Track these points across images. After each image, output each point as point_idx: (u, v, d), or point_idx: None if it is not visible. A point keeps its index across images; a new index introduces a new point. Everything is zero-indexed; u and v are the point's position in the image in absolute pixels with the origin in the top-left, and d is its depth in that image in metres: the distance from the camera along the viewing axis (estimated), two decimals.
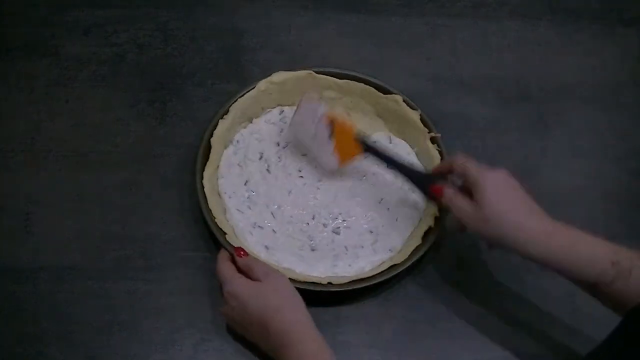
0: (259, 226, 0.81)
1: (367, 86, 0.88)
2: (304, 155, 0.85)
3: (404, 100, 0.87)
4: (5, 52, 0.92)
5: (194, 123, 0.87)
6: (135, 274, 0.78)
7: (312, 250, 0.80)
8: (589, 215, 0.87)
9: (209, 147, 0.81)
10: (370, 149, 0.81)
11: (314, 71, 0.87)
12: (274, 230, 0.80)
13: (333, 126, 0.81)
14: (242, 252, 0.74)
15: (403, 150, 0.88)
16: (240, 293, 0.70)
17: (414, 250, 0.78)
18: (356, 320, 0.77)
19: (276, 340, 0.67)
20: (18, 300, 0.75)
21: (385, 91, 0.88)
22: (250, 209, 0.81)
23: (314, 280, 0.75)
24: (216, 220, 0.77)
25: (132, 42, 0.95)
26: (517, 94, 0.97)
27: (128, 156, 0.86)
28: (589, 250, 0.66)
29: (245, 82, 0.89)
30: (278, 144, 0.86)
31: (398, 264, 0.77)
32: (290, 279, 0.73)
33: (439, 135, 0.86)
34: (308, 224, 0.81)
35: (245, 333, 0.72)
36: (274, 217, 0.81)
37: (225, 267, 0.73)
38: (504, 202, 0.68)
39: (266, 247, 0.79)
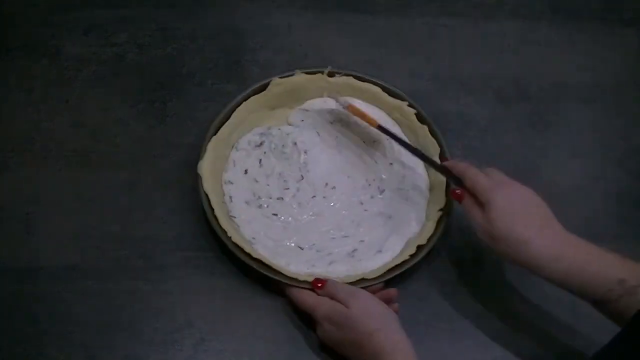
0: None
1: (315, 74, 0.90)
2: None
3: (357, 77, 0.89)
4: (5, 52, 0.92)
5: (193, 123, 0.87)
6: (135, 274, 0.78)
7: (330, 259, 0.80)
8: (589, 215, 0.87)
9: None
10: (389, 134, 0.83)
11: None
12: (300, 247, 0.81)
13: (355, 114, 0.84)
14: (319, 284, 0.73)
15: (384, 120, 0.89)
16: (332, 317, 0.69)
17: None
18: None
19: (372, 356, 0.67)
20: (18, 300, 0.75)
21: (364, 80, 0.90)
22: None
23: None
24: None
25: (132, 42, 0.95)
26: (517, 94, 0.97)
27: (128, 156, 0.86)
28: (597, 270, 0.65)
29: (245, 82, 0.89)
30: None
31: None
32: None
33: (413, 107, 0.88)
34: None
35: (340, 351, 0.71)
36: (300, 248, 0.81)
37: (305, 296, 0.73)
38: (513, 221, 0.68)
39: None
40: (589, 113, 0.96)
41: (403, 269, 0.77)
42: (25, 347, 0.73)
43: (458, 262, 0.82)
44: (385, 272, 0.77)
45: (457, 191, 0.75)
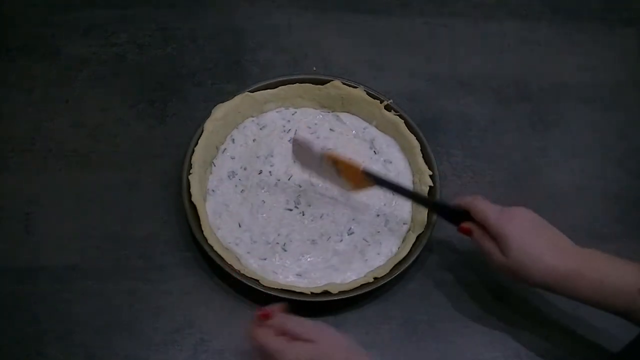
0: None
1: (302, 84, 0.89)
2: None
3: (343, 83, 0.88)
4: (5, 52, 0.92)
5: (193, 123, 0.87)
6: (135, 274, 0.78)
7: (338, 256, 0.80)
8: (589, 215, 0.87)
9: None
10: (381, 182, 0.79)
11: (248, 92, 0.87)
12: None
13: (337, 166, 0.79)
14: (263, 315, 0.66)
15: (360, 126, 0.89)
16: (304, 357, 0.64)
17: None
18: (355, 320, 0.77)
19: None
20: (18, 300, 0.75)
21: (323, 82, 0.89)
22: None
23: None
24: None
25: (132, 42, 0.95)
26: (517, 94, 0.97)
27: (128, 156, 0.86)
28: (616, 282, 0.66)
29: (245, 82, 0.89)
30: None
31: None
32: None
33: (390, 101, 0.87)
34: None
35: None
36: (284, 250, 0.80)
37: (269, 338, 0.65)
38: (528, 249, 0.68)
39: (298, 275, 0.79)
40: (589, 113, 0.96)
41: (411, 259, 0.78)
42: (25, 347, 0.73)
43: (458, 262, 0.82)
44: (393, 268, 0.77)
45: (465, 226, 0.74)
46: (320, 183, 0.84)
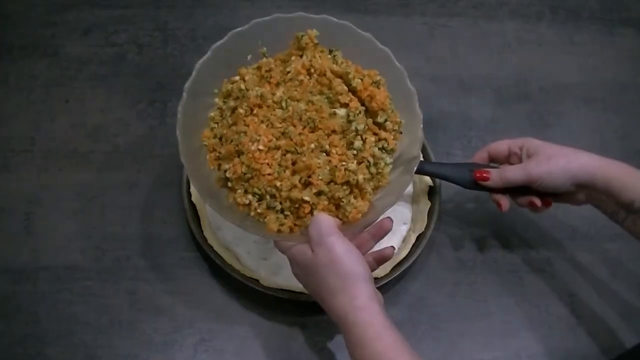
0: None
1: None
2: None
3: None
4: (5, 52, 0.92)
5: None
6: (135, 274, 0.78)
7: None
8: (589, 215, 0.86)
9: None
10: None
11: None
12: None
13: None
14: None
15: None
16: (297, 258, 0.63)
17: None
18: None
19: (335, 317, 0.61)
20: (18, 300, 0.75)
21: None
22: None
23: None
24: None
25: (132, 42, 0.95)
26: (517, 94, 0.97)
27: (128, 156, 0.86)
28: (629, 182, 0.68)
29: None
30: None
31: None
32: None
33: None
34: None
35: (311, 294, 0.66)
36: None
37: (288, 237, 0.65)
38: (554, 155, 0.72)
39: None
40: (589, 113, 0.96)
41: (412, 259, 0.78)
42: (25, 347, 0.73)
43: (458, 262, 0.82)
44: (393, 268, 0.77)
45: (485, 174, 0.75)
46: None
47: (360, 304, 0.59)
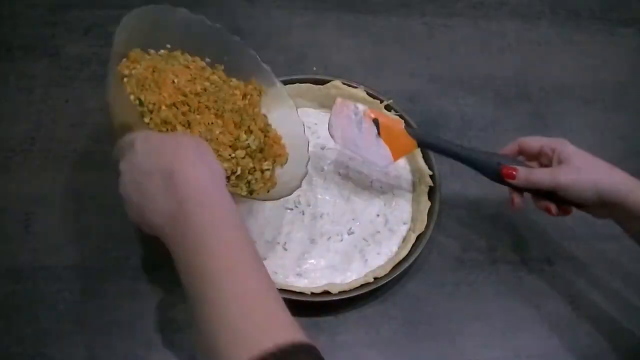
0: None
1: (302, 84, 0.89)
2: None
3: (344, 83, 0.88)
4: (5, 52, 0.92)
5: None
6: (135, 274, 0.78)
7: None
8: (589, 215, 0.86)
9: None
10: (425, 143, 0.79)
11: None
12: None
13: (378, 124, 0.79)
14: None
15: None
16: (144, 138, 0.59)
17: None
18: (355, 320, 0.77)
19: (177, 198, 0.55)
20: (18, 300, 0.75)
21: (323, 82, 0.89)
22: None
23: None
24: None
25: None
26: (517, 94, 0.97)
27: None
28: None
29: None
30: None
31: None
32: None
33: (390, 101, 0.87)
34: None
35: (140, 215, 0.59)
36: (285, 249, 0.80)
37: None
38: (583, 166, 0.71)
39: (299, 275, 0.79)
40: (589, 113, 0.96)
41: (411, 259, 0.78)
42: (25, 347, 0.73)
43: (458, 262, 0.82)
44: (393, 268, 0.77)
45: (513, 172, 0.74)
46: (321, 182, 0.84)
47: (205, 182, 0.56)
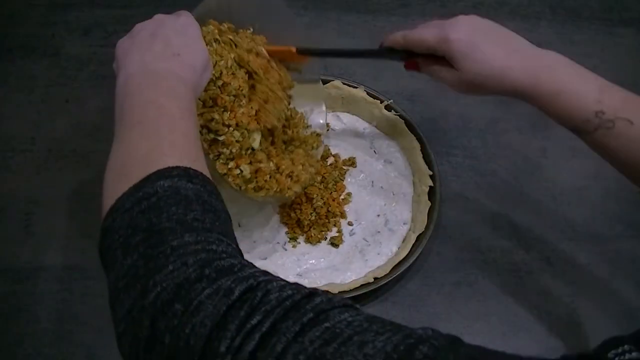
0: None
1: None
2: None
3: (344, 83, 0.89)
4: (5, 52, 0.92)
5: None
6: None
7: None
8: (589, 215, 0.87)
9: None
10: (315, 52, 0.78)
11: None
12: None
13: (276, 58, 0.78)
14: None
15: (360, 126, 0.90)
16: (193, 22, 0.70)
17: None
18: None
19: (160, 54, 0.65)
20: (18, 300, 0.75)
21: (323, 82, 0.88)
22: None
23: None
24: None
25: None
26: None
27: None
28: (572, 99, 0.62)
29: None
30: None
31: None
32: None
33: (390, 101, 0.88)
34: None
35: (146, 34, 0.70)
36: (285, 250, 0.81)
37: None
38: (478, 53, 0.63)
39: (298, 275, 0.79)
40: None
41: (412, 259, 0.78)
42: (25, 347, 0.73)
43: (458, 262, 0.82)
44: (393, 268, 0.77)
45: (409, 62, 0.70)
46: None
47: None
